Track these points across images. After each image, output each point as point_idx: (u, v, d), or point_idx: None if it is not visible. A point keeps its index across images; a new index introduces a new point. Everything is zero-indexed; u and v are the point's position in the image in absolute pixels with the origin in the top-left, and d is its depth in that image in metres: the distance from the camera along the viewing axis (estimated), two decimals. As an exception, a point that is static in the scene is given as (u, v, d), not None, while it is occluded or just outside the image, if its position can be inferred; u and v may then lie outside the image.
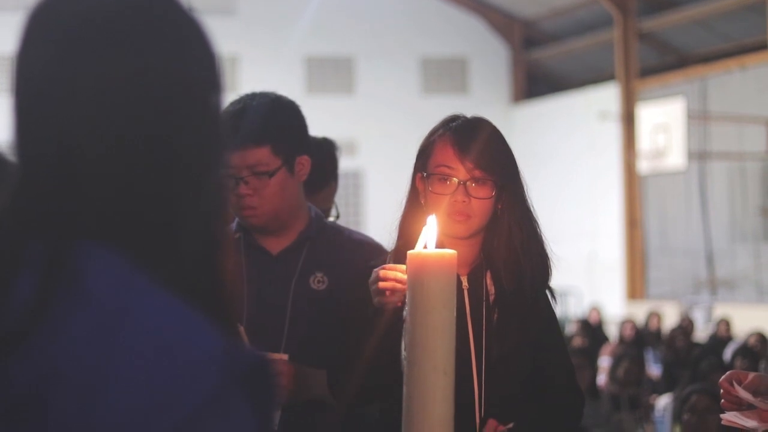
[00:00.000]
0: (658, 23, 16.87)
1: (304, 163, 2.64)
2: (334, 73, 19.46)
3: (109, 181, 1.00)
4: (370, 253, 2.60)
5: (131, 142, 1.00)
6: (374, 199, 18.46)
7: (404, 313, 1.96)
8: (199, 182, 1.03)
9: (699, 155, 15.22)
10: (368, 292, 2.29)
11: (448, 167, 2.35)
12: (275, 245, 2.67)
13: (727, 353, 9.18)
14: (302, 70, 19.23)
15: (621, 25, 16.77)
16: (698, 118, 15.22)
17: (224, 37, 17.09)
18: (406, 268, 1.93)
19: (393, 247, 2.42)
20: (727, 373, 2.34)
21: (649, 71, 16.90)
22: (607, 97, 17.30)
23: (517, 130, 18.15)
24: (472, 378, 2.32)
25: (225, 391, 0.95)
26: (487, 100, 19.57)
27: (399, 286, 2.21)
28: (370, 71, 19.47)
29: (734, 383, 2.30)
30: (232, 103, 2.60)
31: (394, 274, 2.23)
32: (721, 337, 11.35)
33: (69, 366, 0.93)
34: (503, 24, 19.95)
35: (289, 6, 18.94)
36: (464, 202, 2.33)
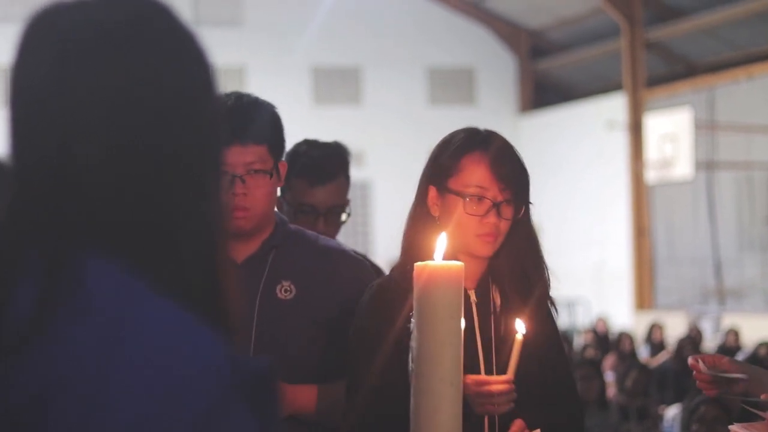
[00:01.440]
0: (665, 33, 16.86)
1: (281, 169, 2.56)
2: (341, 83, 19.48)
3: (108, 184, 1.01)
4: (336, 260, 2.58)
5: (131, 144, 1.01)
6: (382, 209, 18.46)
7: (411, 325, 1.96)
8: (199, 184, 1.04)
9: (706, 165, 15.20)
10: (369, 317, 2.30)
11: (483, 188, 2.32)
12: (240, 252, 2.52)
13: (736, 363, 9.14)
14: (309, 81, 19.26)
15: (628, 35, 16.76)
16: (706, 128, 15.21)
17: (231, 47, 17.25)
18: (414, 280, 1.92)
19: (399, 261, 2.39)
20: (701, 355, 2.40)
21: (656, 81, 16.88)
22: (614, 106, 17.29)
23: (524, 139, 18.14)
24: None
25: (226, 397, 0.95)
26: (494, 110, 19.59)
27: (501, 387, 2.19)
28: (377, 81, 19.49)
29: (700, 361, 2.34)
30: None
31: (491, 387, 2.19)
32: (729, 347, 11.32)
33: (70, 370, 0.94)
34: (510, 34, 19.96)
35: (296, 16, 18.97)
36: (495, 223, 2.32)
